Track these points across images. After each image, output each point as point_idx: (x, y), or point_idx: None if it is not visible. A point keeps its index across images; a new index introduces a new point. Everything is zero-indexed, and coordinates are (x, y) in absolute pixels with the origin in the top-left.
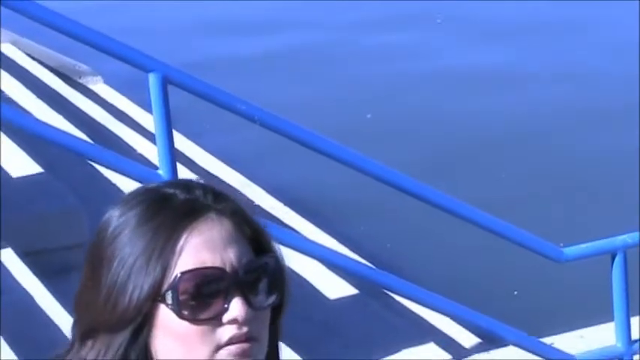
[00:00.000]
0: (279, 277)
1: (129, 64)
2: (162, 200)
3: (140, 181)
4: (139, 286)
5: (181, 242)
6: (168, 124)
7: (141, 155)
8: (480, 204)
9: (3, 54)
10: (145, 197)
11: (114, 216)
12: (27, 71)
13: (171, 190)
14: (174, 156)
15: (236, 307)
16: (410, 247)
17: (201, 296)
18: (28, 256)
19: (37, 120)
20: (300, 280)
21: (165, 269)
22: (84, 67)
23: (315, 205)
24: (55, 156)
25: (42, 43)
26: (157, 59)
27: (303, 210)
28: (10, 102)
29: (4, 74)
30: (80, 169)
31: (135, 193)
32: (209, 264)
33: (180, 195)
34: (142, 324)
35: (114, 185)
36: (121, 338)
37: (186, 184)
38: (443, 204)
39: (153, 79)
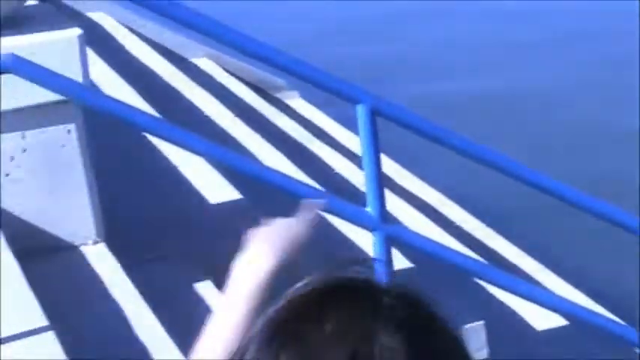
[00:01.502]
0: None
1: (335, 95)
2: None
3: (347, 219)
4: None
5: None
6: (377, 158)
7: (338, 174)
8: None
9: (200, 69)
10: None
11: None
12: (223, 86)
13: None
14: (383, 192)
15: None
16: None
17: None
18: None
19: (232, 153)
20: None
21: None
22: (280, 81)
23: (518, 227)
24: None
25: (239, 58)
26: (365, 90)
27: (505, 231)
28: (207, 119)
29: (200, 90)
30: (281, 196)
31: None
32: None
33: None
34: None
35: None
36: None
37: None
38: None
39: (361, 111)
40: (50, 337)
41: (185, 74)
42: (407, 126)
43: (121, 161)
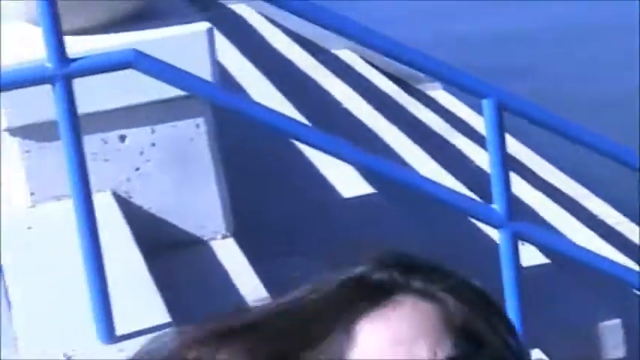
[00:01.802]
0: None
1: (460, 89)
2: (354, 282)
3: (473, 216)
4: None
5: (358, 334)
6: (503, 154)
7: (477, 167)
8: None
9: (341, 60)
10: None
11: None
12: (363, 78)
13: (367, 269)
14: (509, 188)
15: None
16: None
17: None
18: None
19: (373, 156)
20: None
21: None
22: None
23: None
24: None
25: None
26: (491, 84)
27: None
28: (345, 112)
29: (338, 82)
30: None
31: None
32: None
33: (374, 274)
34: None
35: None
36: None
37: (385, 259)
38: None
39: (487, 106)
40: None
41: (325, 66)
42: (534, 121)
43: (250, 155)
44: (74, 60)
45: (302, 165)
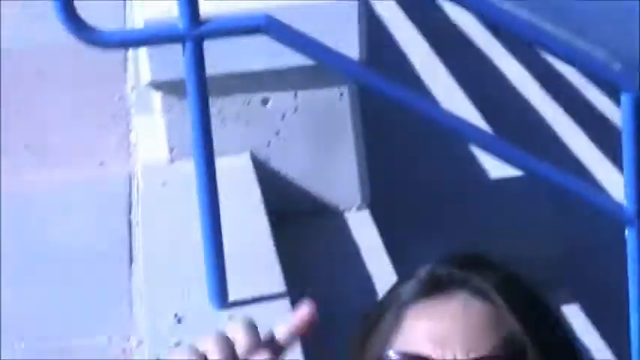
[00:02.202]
0: None
1: (594, 82)
2: (417, 276)
3: (601, 212)
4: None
5: (404, 321)
6: (638, 150)
7: None
8: None
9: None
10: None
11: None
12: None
13: (429, 266)
14: None
15: None
16: None
17: None
18: None
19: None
20: None
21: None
22: None
23: None
24: None
25: None
26: (630, 78)
27: None
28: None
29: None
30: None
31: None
32: (424, 353)
33: (437, 270)
34: None
35: None
36: None
37: (455, 257)
38: None
39: (625, 101)
40: (287, 305)
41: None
42: None
43: (393, 128)
44: (205, 22)
45: (445, 140)
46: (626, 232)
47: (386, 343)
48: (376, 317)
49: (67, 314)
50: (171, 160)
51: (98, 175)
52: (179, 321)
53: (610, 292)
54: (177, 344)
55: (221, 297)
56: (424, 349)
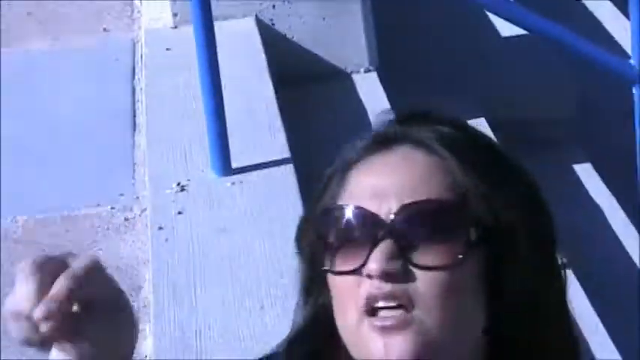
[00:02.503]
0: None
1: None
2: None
3: (607, 70)
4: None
5: (349, 178)
6: None
7: None
8: None
9: None
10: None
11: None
12: None
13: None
14: None
15: (375, 258)
16: None
17: (345, 243)
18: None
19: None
20: None
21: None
22: None
23: None
24: None
25: None
26: None
27: None
28: None
29: None
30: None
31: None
32: (363, 205)
33: (385, 129)
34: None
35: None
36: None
37: (403, 116)
38: None
39: None
40: (291, 170)
41: None
42: None
43: None
44: None
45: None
46: (634, 90)
47: (333, 200)
48: (327, 179)
49: (69, 185)
50: (175, 26)
51: (101, 42)
52: (182, 189)
53: (621, 151)
54: (180, 213)
55: (223, 164)
56: (363, 203)
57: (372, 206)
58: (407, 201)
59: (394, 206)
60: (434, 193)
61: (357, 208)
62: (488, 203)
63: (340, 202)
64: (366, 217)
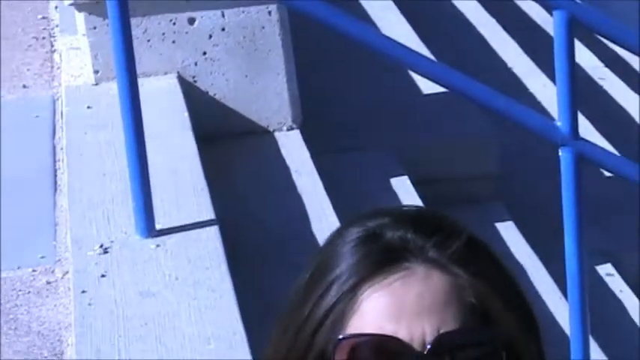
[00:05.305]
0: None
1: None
2: (366, 239)
3: (534, 132)
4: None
5: (362, 300)
6: (571, 69)
7: None
8: None
9: None
10: (356, 232)
11: (326, 242)
12: None
13: (381, 223)
14: (575, 106)
15: None
16: None
17: None
18: (419, 185)
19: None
20: None
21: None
22: None
23: None
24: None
25: None
26: None
27: None
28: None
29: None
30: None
31: (354, 221)
32: (388, 332)
33: (388, 233)
34: None
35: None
36: None
37: (400, 216)
38: None
39: (557, 18)
40: (216, 232)
41: None
42: (606, 36)
43: (324, 44)
44: None
45: (379, 56)
46: (560, 152)
47: (339, 323)
48: (323, 291)
49: None
50: (96, 83)
51: (21, 99)
52: (105, 251)
53: (546, 210)
54: (103, 276)
55: (147, 225)
56: (387, 329)
57: (398, 333)
58: (444, 330)
59: (428, 336)
60: (459, 318)
61: (386, 337)
62: (507, 321)
63: (357, 330)
64: (397, 346)
